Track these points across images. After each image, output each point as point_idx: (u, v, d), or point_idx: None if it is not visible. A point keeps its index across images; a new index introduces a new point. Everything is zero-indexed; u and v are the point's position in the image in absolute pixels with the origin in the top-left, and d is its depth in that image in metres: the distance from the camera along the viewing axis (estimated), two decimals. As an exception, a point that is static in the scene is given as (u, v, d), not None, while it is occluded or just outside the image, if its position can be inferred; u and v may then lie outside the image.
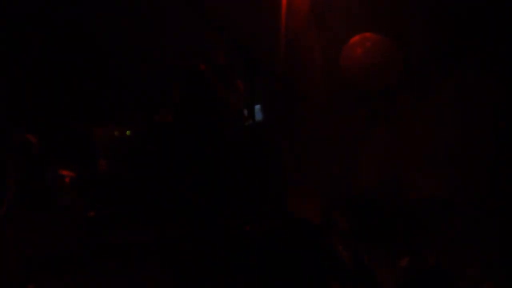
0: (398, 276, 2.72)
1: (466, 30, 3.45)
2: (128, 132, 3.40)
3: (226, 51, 3.09)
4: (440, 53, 3.57)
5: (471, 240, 2.98)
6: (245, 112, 3.18)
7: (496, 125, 3.31)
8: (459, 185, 3.32)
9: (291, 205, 3.37)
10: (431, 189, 3.38)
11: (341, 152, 3.71)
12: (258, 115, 3.65)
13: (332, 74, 3.81)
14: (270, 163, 3.36)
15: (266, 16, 3.74)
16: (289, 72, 3.79)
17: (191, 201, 3.11)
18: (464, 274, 2.71)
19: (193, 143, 3.20)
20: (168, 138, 3.25)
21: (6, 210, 2.86)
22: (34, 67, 3.46)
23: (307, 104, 3.75)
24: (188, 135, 3.21)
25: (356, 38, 3.72)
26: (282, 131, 3.73)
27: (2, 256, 2.35)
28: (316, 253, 2.77)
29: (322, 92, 3.84)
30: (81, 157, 3.36)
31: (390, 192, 3.42)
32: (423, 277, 2.68)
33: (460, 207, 3.24)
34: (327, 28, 3.88)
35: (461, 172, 3.35)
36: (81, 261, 2.59)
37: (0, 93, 3.41)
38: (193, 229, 3.02)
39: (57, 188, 3.08)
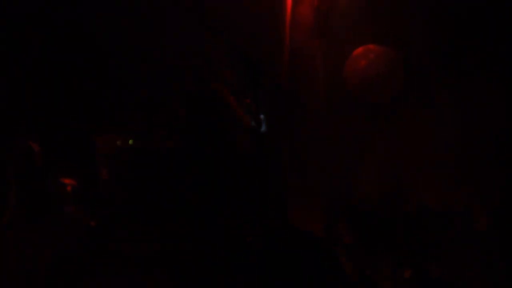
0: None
1: (466, 32, 3.48)
2: (130, 141, 3.40)
3: (232, 64, 3.11)
4: (440, 55, 3.59)
5: (475, 250, 2.96)
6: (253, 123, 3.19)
7: (499, 128, 3.31)
8: (463, 191, 3.32)
9: (293, 216, 3.35)
10: (433, 196, 3.37)
11: (343, 162, 3.70)
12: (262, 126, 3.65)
13: (335, 86, 3.82)
14: (271, 173, 3.35)
15: (270, 26, 3.76)
16: (293, 82, 3.80)
17: (194, 211, 3.10)
18: (469, 286, 2.69)
19: (201, 162, 3.23)
20: (173, 156, 3.28)
21: (8, 219, 2.85)
22: (35, 71, 3.46)
23: (310, 115, 3.75)
24: (196, 156, 3.23)
25: (359, 50, 3.73)
26: (284, 141, 3.72)
27: (4, 265, 2.33)
28: (319, 266, 2.75)
29: (324, 103, 3.85)
30: (82, 166, 3.36)
31: (392, 201, 3.41)
32: (427, 290, 2.66)
33: (463, 216, 3.23)
34: (331, 39, 3.89)
35: (464, 176, 3.35)
36: (83, 269, 2.57)
37: (0, 99, 3.41)
38: (195, 239, 3.01)
39: (58, 197, 3.07)
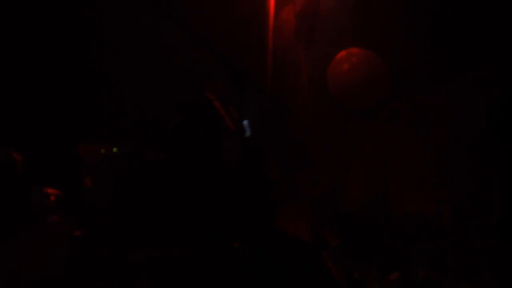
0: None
1: (449, 35, 3.50)
2: (115, 149, 3.36)
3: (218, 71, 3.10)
4: (424, 59, 3.61)
5: (461, 253, 2.99)
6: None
7: (486, 140, 3.34)
8: (448, 200, 3.34)
9: (280, 222, 3.35)
10: (419, 204, 3.39)
11: (330, 168, 3.71)
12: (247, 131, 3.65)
13: (320, 90, 3.82)
14: (259, 179, 3.35)
15: (253, 32, 3.76)
16: (277, 88, 3.80)
17: (181, 218, 3.08)
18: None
19: (188, 171, 3.21)
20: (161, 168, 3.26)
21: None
22: (18, 77, 3.41)
23: (295, 120, 3.76)
24: (183, 166, 3.22)
25: (342, 53, 3.73)
26: (270, 147, 3.72)
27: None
28: (307, 270, 2.75)
29: (309, 108, 3.85)
30: (66, 175, 3.31)
31: (379, 207, 3.42)
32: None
33: (448, 222, 3.26)
34: (314, 44, 3.90)
35: (450, 187, 3.38)
36: (68, 280, 2.54)
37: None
38: (182, 246, 2.99)
39: (42, 207, 3.02)
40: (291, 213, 3.49)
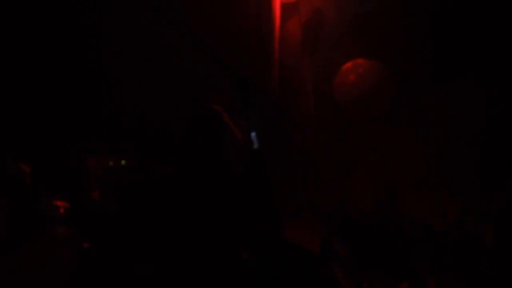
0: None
1: (454, 42, 3.52)
2: (123, 162, 3.38)
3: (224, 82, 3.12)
4: (428, 68, 3.62)
5: (470, 262, 2.96)
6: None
7: (490, 146, 3.34)
8: (454, 209, 3.33)
9: (287, 232, 3.33)
10: (425, 213, 3.38)
11: (335, 176, 3.71)
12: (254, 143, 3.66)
13: (325, 99, 3.85)
14: (265, 189, 3.34)
15: (259, 43, 3.79)
16: (283, 98, 3.82)
17: (188, 229, 3.07)
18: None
19: (193, 183, 3.22)
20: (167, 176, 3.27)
21: (-1, 241, 2.80)
22: (26, 90, 3.41)
23: (301, 130, 3.77)
24: (191, 175, 3.23)
25: (348, 64, 3.77)
26: (276, 157, 3.72)
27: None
28: (315, 281, 2.73)
29: (315, 118, 3.87)
30: (74, 187, 3.32)
31: (386, 214, 3.41)
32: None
33: (457, 228, 3.24)
34: (320, 54, 3.93)
35: (454, 194, 3.36)
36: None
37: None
38: (190, 258, 2.98)
39: (50, 219, 3.03)
40: (297, 222, 3.48)
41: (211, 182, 3.18)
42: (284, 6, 3.87)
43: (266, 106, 3.60)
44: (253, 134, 3.59)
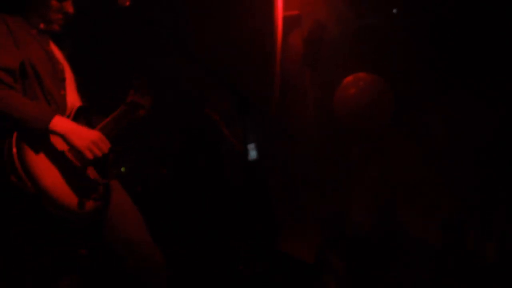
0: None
1: (454, 42, 3.52)
2: (123, 169, 3.41)
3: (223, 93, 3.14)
4: (428, 81, 3.63)
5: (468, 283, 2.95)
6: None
7: (488, 160, 3.33)
8: (458, 218, 3.32)
9: (284, 244, 3.35)
10: (424, 228, 3.37)
11: (334, 190, 3.71)
12: (251, 154, 3.69)
13: (326, 113, 3.86)
14: (262, 200, 3.36)
15: (261, 56, 3.81)
16: (282, 111, 3.83)
17: (183, 238, 3.09)
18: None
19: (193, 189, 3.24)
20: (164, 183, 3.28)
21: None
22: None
23: (300, 143, 3.78)
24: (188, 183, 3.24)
25: (349, 78, 3.78)
26: (275, 168, 3.73)
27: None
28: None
29: (315, 131, 3.88)
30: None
31: (384, 230, 3.40)
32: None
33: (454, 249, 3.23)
34: (320, 68, 3.95)
35: (454, 209, 3.36)
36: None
37: None
38: (184, 266, 2.99)
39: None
40: (294, 234, 3.49)
41: (205, 188, 3.20)
42: (286, 19, 3.89)
43: (266, 119, 3.63)
44: (252, 145, 3.63)
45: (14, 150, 1.70)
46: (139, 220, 2.11)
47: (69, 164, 1.87)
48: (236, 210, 3.12)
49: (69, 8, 2.01)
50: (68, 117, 1.93)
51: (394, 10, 4.01)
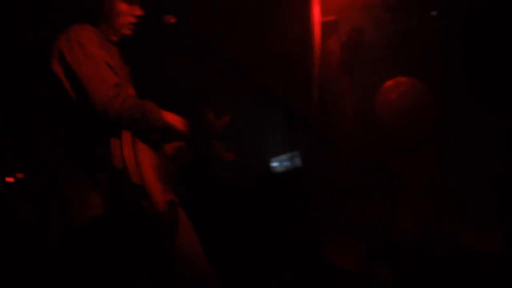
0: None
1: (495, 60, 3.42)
2: None
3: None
4: (470, 84, 3.53)
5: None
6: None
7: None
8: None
9: (329, 254, 3.28)
10: (477, 238, 3.24)
11: (378, 198, 3.63)
12: (294, 161, 3.65)
13: (366, 120, 3.80)
14: (306, 209, 3.31)
15: (299, 62, 3.80)
16: (323, 119, 3.79)
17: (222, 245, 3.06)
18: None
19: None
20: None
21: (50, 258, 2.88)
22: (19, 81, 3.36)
23: (342, 150, 3.72)
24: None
25: (389, 83, 3.72)
26: (317, 178, 3.68)
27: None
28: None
29: (355, 137, 3.82)
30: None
31: (432, 239, 3.29)
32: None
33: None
34: (360, 73, 3.91)
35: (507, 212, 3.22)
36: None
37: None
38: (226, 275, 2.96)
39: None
40: (339, 245, 3.42)
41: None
42: (323, 25, 3.87)
43: (306, 126, 3.58)
44: (294, 154, 3.59)
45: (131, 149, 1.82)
46: (198, 239, 2.12)
47: (164, 166, 2.00)
48: (281, 220, 3.09)
49: (138, 11, 1.98)
50: None
51: (434, 13, 3.94)
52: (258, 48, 3.54)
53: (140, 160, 1.84)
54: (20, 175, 3.15)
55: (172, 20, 2.03)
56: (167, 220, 1.89)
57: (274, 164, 3.63)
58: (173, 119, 1.95)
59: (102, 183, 1.81)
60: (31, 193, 3.10)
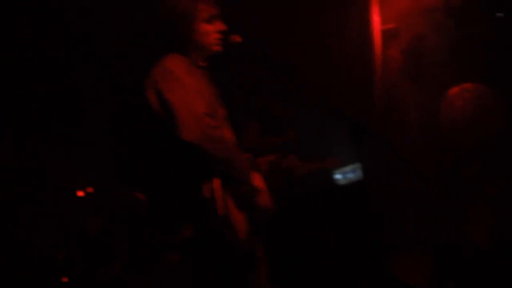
0: None
1: None
2: None
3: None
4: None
5: None
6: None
7: None
8: None
9: (396, 268, 3.22)
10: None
11: (449, 206, 3.52)
12: (358, 173, 3.62)
13: (431, 129, 3.71)
14: (372, 223, 3.27)
15: (361, 71, 3.78)
16: (385, 128, 3.74)
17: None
18: None
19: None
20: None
21: (118, 270, 2.99)
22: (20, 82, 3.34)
23: (407, 161, 3.65)
24: None
25: (454, 90, 3.61)
26: (383, 190, 3.63)
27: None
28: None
29: (420, 146, 3.74)
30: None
31: (509, 257, 3.15)
32: None
33: None
34: (422, 81, 3.83)
35: None
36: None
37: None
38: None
39: (163, 246, 3.16)
40: (406, 259, 3.34)
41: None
42: (384, 33, 3.83)
43: (370, 137, 3.54)
44: (358, 165, 3.56)
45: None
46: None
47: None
48: (347, 233, 3.07)
49: (221, 26, 2.01)
50: None
51: (499, 14, 3.80)
52: (320, 59, 3.56)
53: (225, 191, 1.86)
54: (90, 190, 3.26)
55: (238, 39, 2.06)
56: (247, 248, 1.92)
57: (337, 176, 3.62)
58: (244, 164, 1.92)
59: (190, 211, 1.87)
60: (101, 208, 3.21)
